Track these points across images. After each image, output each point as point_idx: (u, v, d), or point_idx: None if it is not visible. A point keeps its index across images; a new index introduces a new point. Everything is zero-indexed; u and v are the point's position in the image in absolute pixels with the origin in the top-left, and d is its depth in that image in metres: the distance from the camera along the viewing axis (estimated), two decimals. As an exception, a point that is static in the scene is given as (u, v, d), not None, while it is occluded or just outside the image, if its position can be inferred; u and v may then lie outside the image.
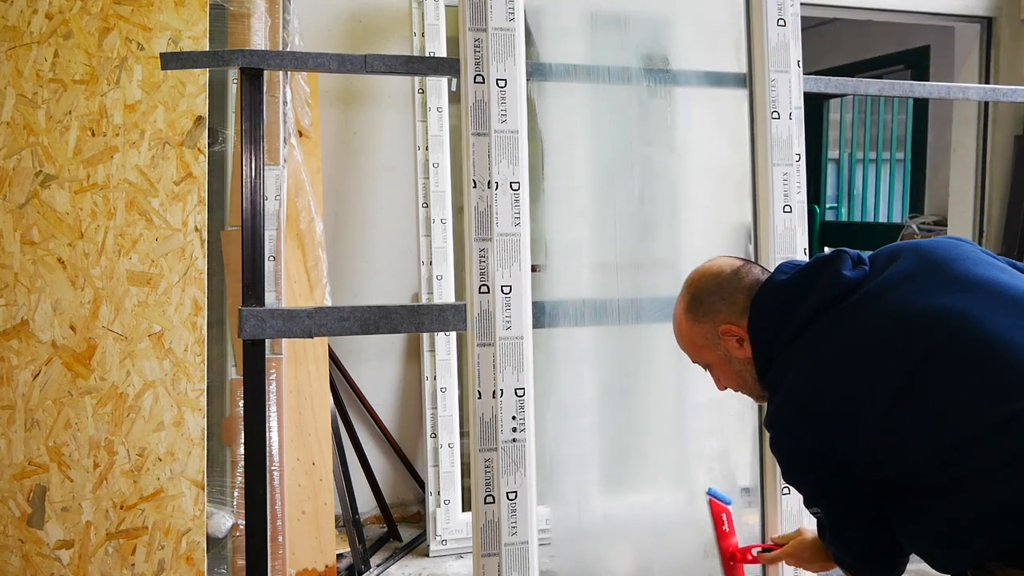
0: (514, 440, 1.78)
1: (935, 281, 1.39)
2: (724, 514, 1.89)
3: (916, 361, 1.31)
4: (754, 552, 1.88)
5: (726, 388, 1.67)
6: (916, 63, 5.53)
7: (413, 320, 1.84)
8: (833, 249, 1.53)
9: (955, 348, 1.31)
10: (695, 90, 2.30)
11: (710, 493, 1.91)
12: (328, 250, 3.14)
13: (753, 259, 1.92)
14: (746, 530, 2.16)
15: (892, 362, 1.33)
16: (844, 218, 6.92)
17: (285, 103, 2.75)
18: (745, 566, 1.91)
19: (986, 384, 1.27)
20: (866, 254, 1.53)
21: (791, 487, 1.50)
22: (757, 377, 1.56)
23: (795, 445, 1.44)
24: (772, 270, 1.59)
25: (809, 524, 1.99)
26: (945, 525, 1.30)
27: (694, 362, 1.67)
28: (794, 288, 1.49)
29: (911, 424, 1.31)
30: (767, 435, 2.07)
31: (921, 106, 5.84)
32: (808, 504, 1.50)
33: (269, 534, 2.15)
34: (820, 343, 1.43)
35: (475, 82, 1.79)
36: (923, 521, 1.34)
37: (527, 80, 1.84)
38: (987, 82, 4.27)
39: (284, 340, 2.69)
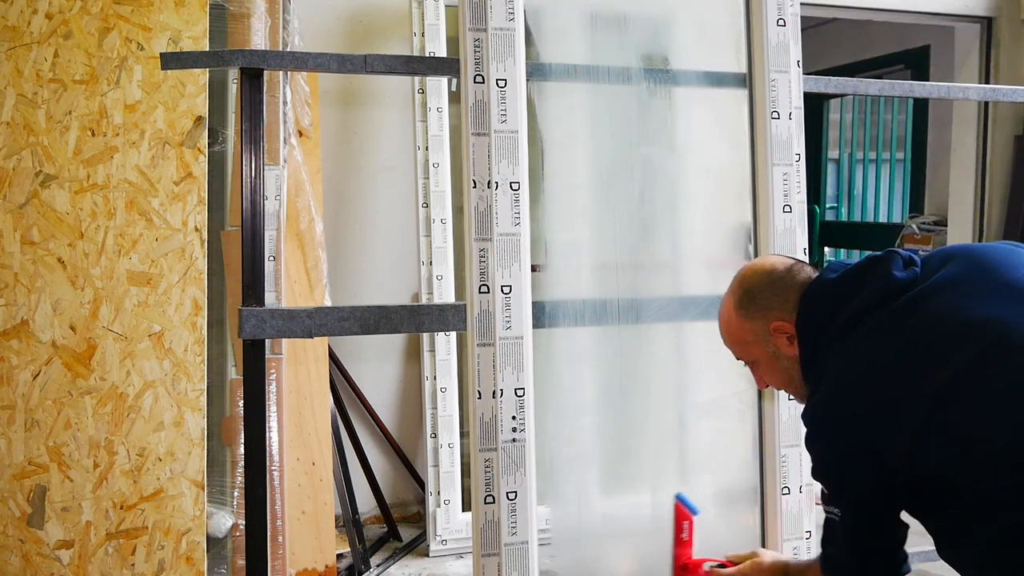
0: (514, 440, 1.78)
1: (983, 288, 1.39)
2: (687, 522, 1.86)
3: (957, 369, 1.31)
4: (706, 567, 1.83)
5: (767, 386, 1.67)
6: (916, 63, 5.52)
7: (413, 320, 1.84)
8: (885, 249, 1.52)
9: (994, 358, 1.30)
10: (695, 90, 2.29)
11: (678, 498, 1.88)
12: (328, 250, 3.13)
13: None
14: (745, 531, 2.16)
15: (933, 368, 1.33)
16: (844, 218, 6.90)
17: (285, 103, 2.75)
18: None
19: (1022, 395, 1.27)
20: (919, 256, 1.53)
21: (816, 482, 1.51)
22: (801, 374, 1.56)
23: (828, 440, 1.44)
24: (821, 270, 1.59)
25: (808, 525, 1.99)
26: (983, 535, 1.30)
27: (738, 358, 1.66)
28: (844, 287, 1.49)
29: (945, 432, 1.31)
30: (766, 435, 2.08)
31: (921, 106, 5.83)
32: (828, 502, 1.49)
33: (269, 534, 2.15)
34: (865, 342, 1.43)
35: (475, 82, 1.79)
36: (955, 532, 1.35)
37: (527, 80, 1.84)
38: (987, 82, 4.27)
39: (284, 340, 2.69)
